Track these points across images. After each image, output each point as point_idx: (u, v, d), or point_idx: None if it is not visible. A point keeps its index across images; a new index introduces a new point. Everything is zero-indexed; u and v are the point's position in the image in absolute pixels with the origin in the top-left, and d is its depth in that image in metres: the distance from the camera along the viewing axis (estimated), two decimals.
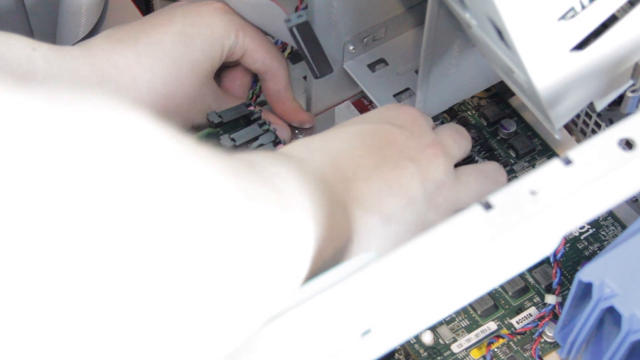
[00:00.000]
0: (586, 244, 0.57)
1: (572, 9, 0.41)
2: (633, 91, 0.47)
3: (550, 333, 0.53)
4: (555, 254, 0.55)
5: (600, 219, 0.58)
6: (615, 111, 0.53)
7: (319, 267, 0.38)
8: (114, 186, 0.26)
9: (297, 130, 0.62)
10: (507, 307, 0.55)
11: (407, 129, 0.48)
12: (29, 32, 0.61)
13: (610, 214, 0.58)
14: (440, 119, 0.61)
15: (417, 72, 0.56)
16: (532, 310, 0.54)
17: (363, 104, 0.62)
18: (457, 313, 0.54)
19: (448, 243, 0.35)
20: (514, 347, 0.53)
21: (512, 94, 0.63)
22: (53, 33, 0.63)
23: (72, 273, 0.25)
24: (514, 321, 0.54)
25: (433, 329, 0.53)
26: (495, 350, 0.53)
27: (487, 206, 0.36)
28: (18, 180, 0.24)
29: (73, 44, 0.58)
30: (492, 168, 0.53)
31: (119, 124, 0.28)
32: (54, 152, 0.25)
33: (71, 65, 0.51)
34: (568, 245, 0.57)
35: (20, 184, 0.24)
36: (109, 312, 0.26)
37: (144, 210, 0.27)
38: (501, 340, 0.53)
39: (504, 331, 0.54)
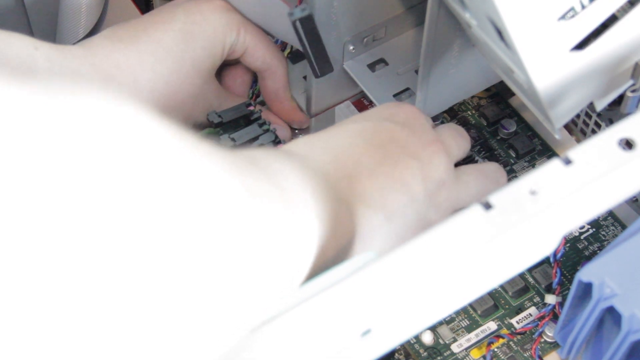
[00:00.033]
0: (586, 244, 0.57)
1: (572, 8, 0.41)
2: (633, 91, 0.47)
3: (550, 333, 0.53)
4: (555, 254, 0.55)
5: (600, 219, 0.58)
6: (615, 111, 0.53)
7: (322, 264, 0.38)
8: (113, 182, 0.26)
9: (297, 130, 0.62)
10: (507, 307, 0.55)
11: (408, 126, 0.48)
12: (29, 32, 0.61)
13: (610, 214, 0.58)
14: (440, 119, 0.61)
15: (417, 72, 0.56)
16: (532, 310, 0.54)
17: (363, 104, 0.62)
18: (457, 313, 0.54)
19: (448, 243, 0.35)
20: (514, 347, 0.53)
21: (512, 94, 0.63)
22: (53, 33, 0.63)
23: (69, 270, 0.25)
24: (514, 321, 0.54)
25: (433, 329, 0.53)
26: (495, 350, 0.53)
27: (487, 206, 0.36)
28: (14, 175, 0.24)
29: (73, 44, 0.58)
30: (492, 168, 0.53)
31: (118, 118, 0.28)
32: (52, 147, 0.25)
33: (72, 65, 0.51)
34: (568, 245, 0.57)
35: (17, 180, 0.24)
36: (109, 308, 0.26)
37: (143, 206, 0.27)
38: (501, 340, 0.53)
39: (504, 331, 0.54)
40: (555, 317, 0.53)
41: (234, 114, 0.57)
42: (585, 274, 0.46)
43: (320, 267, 0.37)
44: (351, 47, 0.58)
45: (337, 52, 0.57)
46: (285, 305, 0.33)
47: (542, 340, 0.53)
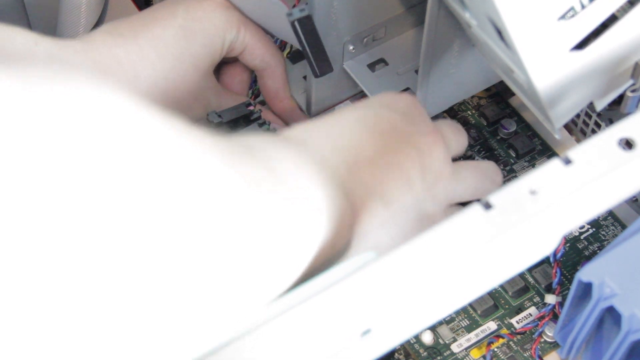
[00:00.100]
0: (586, 243, 0.57)
1: (572, 8, 0.41)
2: (633, 91, 0.47)
3: (550, 333, 0.53)
4: (555, 254, 0.55)
5: (600, 219, 0.58)
6: (615, 111, 0.53)
7: (322, 253, 0.38)
8: (102, 174, 0.26)
9: None
10: (507, 307, 0.55)
11: (408, 115, 0.48)
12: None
13: (610, 214, 0.58)
14: (440, 118, 0.61)
15: (417, 72, 0.56)
16: (532, 310, 0.54)
17: None
18: (457, 313, 0.54)
19: (448, 243, 0.35)
20: (514, 347, 0.53)
21: (512, 94, 0.63)
22: (53, 32, 0.63)
23: (61, 266, 0.25)
24: (514, 321, 0.54)
25: (433, 328, 0.53)
26: (495, 350, 0.53)
27: (487, 206, 0.36)
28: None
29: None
30: (489, 166, 0.53)
31: (109, 107, 0.28)
32: (33, 137, 0.25)
33: (73, 60, 0.51)
34: (568, 245, 0.57)
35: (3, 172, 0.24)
36: (104, 303, 0.26)
37: (134, 196, 0.26)
38: (501, 340, 0.53)
39: (504, 331, 0.54)
40: (555, 317, 0.53)
41: (234, 114, 0.57)
42: (585, 273, 0.46)
43: (321, 257, 0.37)
44: (351, 47, 0.58)
45: (337, 52, 0.57)
46: (285, 305, 0.33)
47: (542, 340, 0.53)
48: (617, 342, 0.45)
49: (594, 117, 0.57)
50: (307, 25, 0.52)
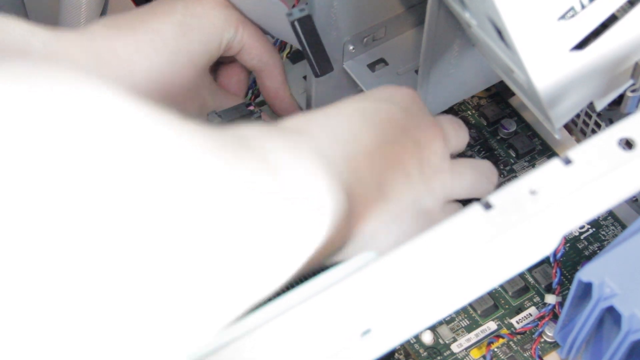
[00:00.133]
0: (586, 243, 0.57)
1: (572, 8, 0.41)
2: (633, 91, 0.47)
3: (550, 333, 0.53)
4: (555, 254, 0.55)
5: (600, 219, 0.58)
6: (615, 111, 0.53)
7: (320, 250, 0.37)
8: (83, 173, 0.26)
9: None
10: (507, 307, 0.55)
11: (407, 108, 0.48)
12: None
13: (610, 214, 0.58)
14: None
15: (417, 72, 0.56)
16: (532, 310, 0.54)
17: None
18: (457, 313, 0.54)
19: (448, 243, 0.35)
20: (514, 347, 0.53)
21: (512, 94, 0.63)
22: None
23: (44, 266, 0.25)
24: (514, 321, 0.54)
25: (433, 328, 0.53)
26: (495, 350, 0.53)
27: (487, 206, 0.36)
28: None
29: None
30: (486, 165, 0.52)
31: (89, 101, 0.27)
32: (13, 135, 0.25)
33: (69, 51, 0.50)
34: (568, 245, 0.57)
35: None
36: (99, 300, 0.26)
37: (117, 196, 0.26)
38: (501, 340, 0.53)
39: (504, 331, 0.54)
40: (555, 317, 0.53)
41: (234, 115, 0.57)
42: (585, 273, 0.46)
43: (316, 252, 0.37)
44: (351, 47, 0.58)
45: (337, 52, 0.57)
46: (285, 305, 0.33)
47: (542, 340, 0.53)
48: (617, 342, 0.45)
49: (594, 117, 0.57)
50: (307, 25, 0.52)
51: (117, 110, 0.28)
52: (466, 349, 0.53)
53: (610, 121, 0.56)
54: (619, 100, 0.48)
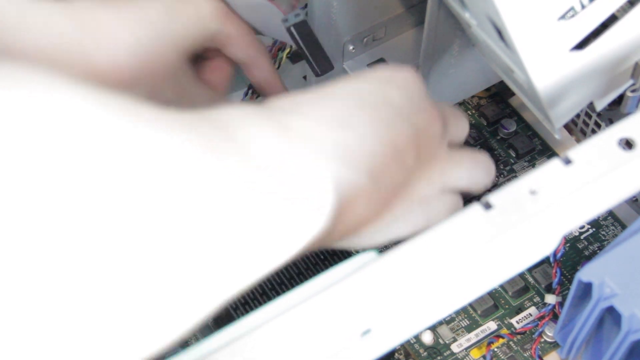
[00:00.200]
0: (586, 244, 0.57)
1: (572, 8, 0.41)
2: (633, 91, 0.47)
3: (550, 333, 0.53)
4: (555, 254, 0.55)
5: (600, 219, 0.58)
6: (615, 111, 0.53)
7: (307, 244, 0.37)
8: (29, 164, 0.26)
9: None
10: (507, 307, 0.55)
11: (405, 90, 0.46)
12: None
13: (610, 214, 0.58)
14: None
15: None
16: (532, 310, 0.54)
17: None
18: (457, 313, 0.54)
19: (448, 243, 0.35)
20: (514, 347, 0.53)
21: (512, 94, 0.63)
22: None
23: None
24: (514, 321, 0.54)
25: (433, 328, 0.53)
26: (495, 350, 0.53)
27: (487, 206, 0.36)
28: None
29: None
30: (484, 157, 0.51)
31: (45, 100, 0.27)
32: None
33: (48, 19, 0.49)
34: (568, 245, 0.57)
35: None
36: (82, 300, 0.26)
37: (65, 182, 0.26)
38: (501, 340, 0.53)
39: (504, 331, 0.54)
40: (555, 317, 0.53)
41: None
42: (585, 273, 0.46)
43: (303, 246, 0.36)
44: (351, 47, 0.58)
45: (337, 52, 0.57)
46: (285, 305, 0.33)
47: (542, 340, 0.53)
48: (617, 342, 0.45)
49: (594, 117, 0.57)
50: (303, 30, 0.52)
51: (87, 114, 0.28)
52: (466, 349, 0.53)
53: (610, 121, 0.56)
54: (619, 100, 0.48)
